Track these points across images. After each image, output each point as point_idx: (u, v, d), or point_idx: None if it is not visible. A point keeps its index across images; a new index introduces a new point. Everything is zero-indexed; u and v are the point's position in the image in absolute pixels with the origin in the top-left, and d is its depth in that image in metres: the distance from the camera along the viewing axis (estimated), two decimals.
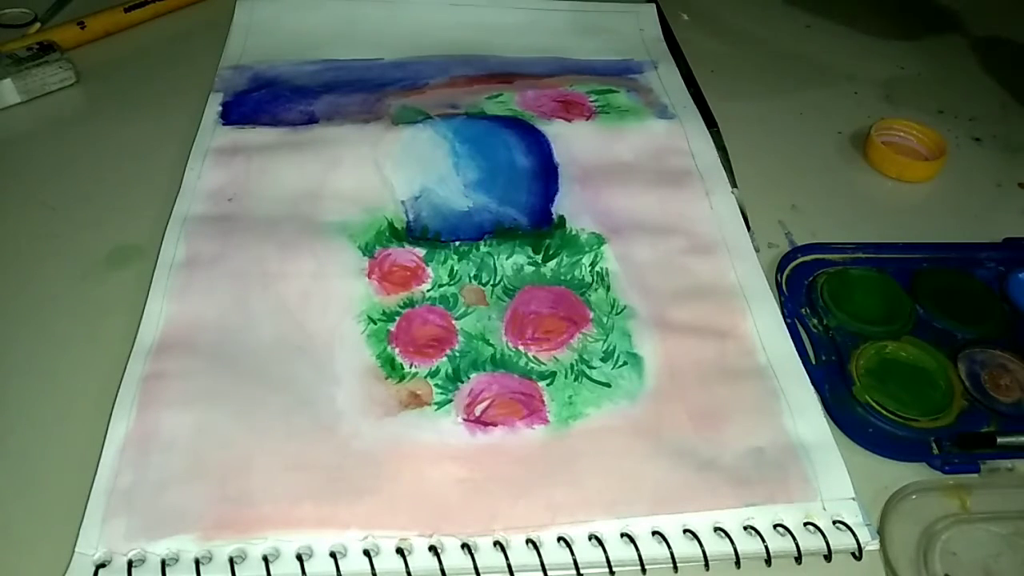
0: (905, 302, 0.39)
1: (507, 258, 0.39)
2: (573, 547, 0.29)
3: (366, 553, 0.29)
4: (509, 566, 0.29)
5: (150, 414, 0.32)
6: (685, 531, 0.30)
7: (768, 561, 0.30)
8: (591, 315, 0.37)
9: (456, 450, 0.32)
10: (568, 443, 0.32)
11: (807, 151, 0.48)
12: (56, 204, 0.41)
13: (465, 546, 0.29)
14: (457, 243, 0.39)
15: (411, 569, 0.28)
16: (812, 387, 0.35)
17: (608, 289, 0.38)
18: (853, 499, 0.31)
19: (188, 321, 0.35)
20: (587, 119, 0.46)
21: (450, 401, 0.33)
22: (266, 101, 0.46)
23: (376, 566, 0.28)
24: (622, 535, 0.30)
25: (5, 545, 0.29)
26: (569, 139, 0.45)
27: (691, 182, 0.43)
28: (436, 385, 0.34)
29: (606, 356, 0.35)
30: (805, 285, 0.40)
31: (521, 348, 0.35)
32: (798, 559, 0.30)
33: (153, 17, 0.53)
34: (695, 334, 0.36)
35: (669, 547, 0.29)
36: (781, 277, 0.40)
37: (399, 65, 0.50)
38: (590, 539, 0.29)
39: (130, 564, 0.28)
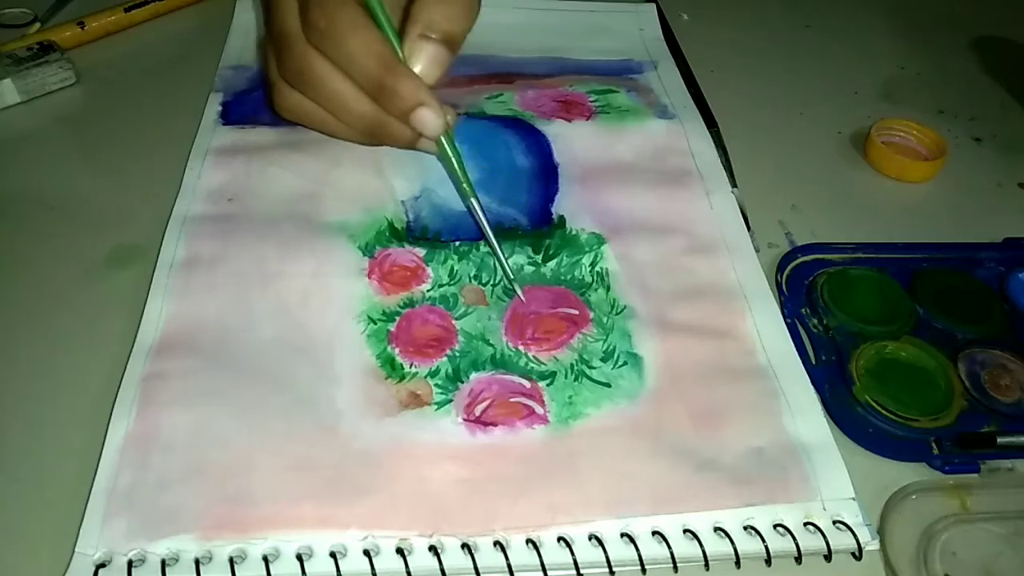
0: (905, 302, 0.39)
1: (507, 258, 0.39)
2: (573, 547, 0.29)
3: (366, 553, 0.29)
4: (509, 566, 0.29)
5: (150, 414, 0.32)
6: (685, 531, 0.30)
7: (768, 561, 0.30)
8: (591, 315, 0.37)
9: (456, 450, 0.32)
10: (568, 443, 0.32)
11: (807, 151, 0.48)
12: (56, 204, 0.41)
13: (465, 546, 0.29)
14: (457, 243, 0.39)
15: (411, 569, 0.28)
16: (812, 387, 0.35)
17: (608, 289, 0.38)
18: (853, 499, 0.31)
19: (188, 321, 0.35)
20: (587, 119, 0.46)
21: (450, 401, 0.33)
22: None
23: (376, 566, 0.28)
24: (622, 535, 0.30)
25: (5, 545, 0.29)
26: (569, 139, 0.45)
27: (691, 182, 0.43)
28: (436, 385, 0.34)
29: (606, 356, 0.35)
30: (805, 285, 0.40)
31: (521, 348, 0.35)
32: (798, 559, 0.30)
33: (153, 17, 0.53)
34: (695, 334, 0.36)
35: (669, 547, 0.29)
36: (781, 277, 0.40)
37: None
38: (590, 539, 0.30)
39: (130, 564, 0.28)
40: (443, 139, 0.35)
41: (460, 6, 0.34)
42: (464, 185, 0.36)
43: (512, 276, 0.36)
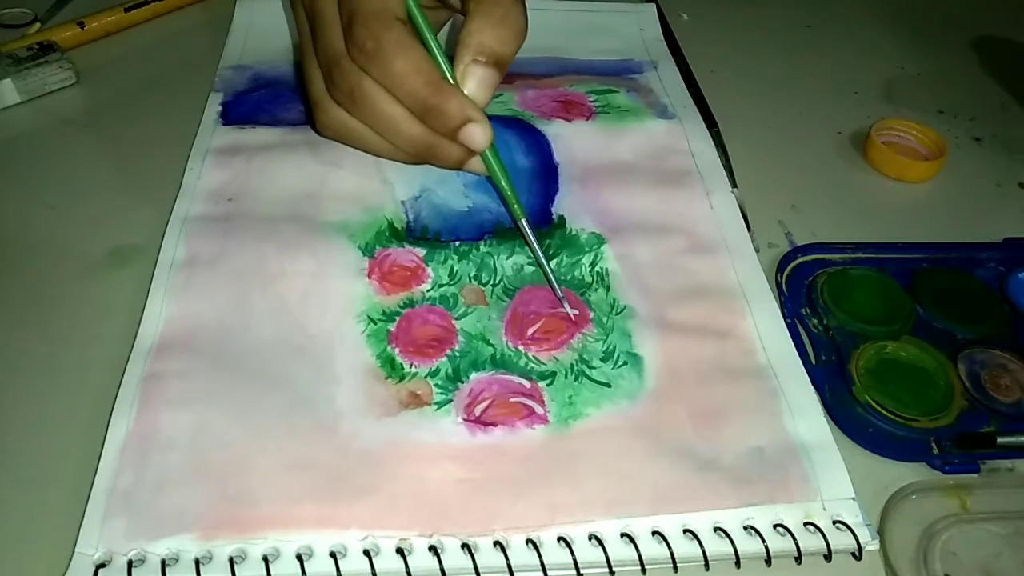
0: (905, 302, 0.39)
1: (507, 258, 0.39)
2: (573, 547, 0.29)
3: (366, 553, 0.29)
4: (509, 566, 0.29)
5: (150, 414, 0.32)
6: (685, 531, 0.30)
7: (768, 561, 0.30)
8: (591, 315, 0.37)
9: (456, 450, 0.32)
10: (568, 443, 0.32)
11: (807, 151, 0.48)
12: (56, 204, 0.41)
13: (465, 546, 0.29)
14: (457, 243, 0.39)
15: (411, 569, 0.28)
16: (812, 387, 0.35)
17: (608, 289, 0.38)
18: (853, 499, 0.31)
19: (188, 321, 0.35)
20: (587, 119, 0.46)
21: (450, 401, 0.33)
22: (266, 101, 0.46)
23: (376, 566, 0.28)
24: (622, 535, 0.30)
25: (5, 545, 0.29)
26: (569, 139, 0.45)
27: (691, 182, 0.43)
28: (436, 385, 0.34)
29: (606, 356, 0.35)
30: (805, 285, 0.40)
31: (521, 348, 0.35)
32: (798, 559, 0.30)
33: (153, 17, 0.53)
34: (695, 334, 0.36)
35: (669, 547, 0.29)
36: (781, 277, 0.40)
37: None
38: (590, 539, 0.30)
39: (130, 564, 0.28)
40: (491, 158, 0.36)
41: (511, 29, 0.35)
42: (514, 205, 0.36)
43: (561, 295, 0.36)
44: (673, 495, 0.31)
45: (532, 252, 0.37)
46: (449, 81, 0.34)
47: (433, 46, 0.34)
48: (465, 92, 0.34)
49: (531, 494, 0.30)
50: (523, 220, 0.37)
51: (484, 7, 0.34)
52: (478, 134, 0.34)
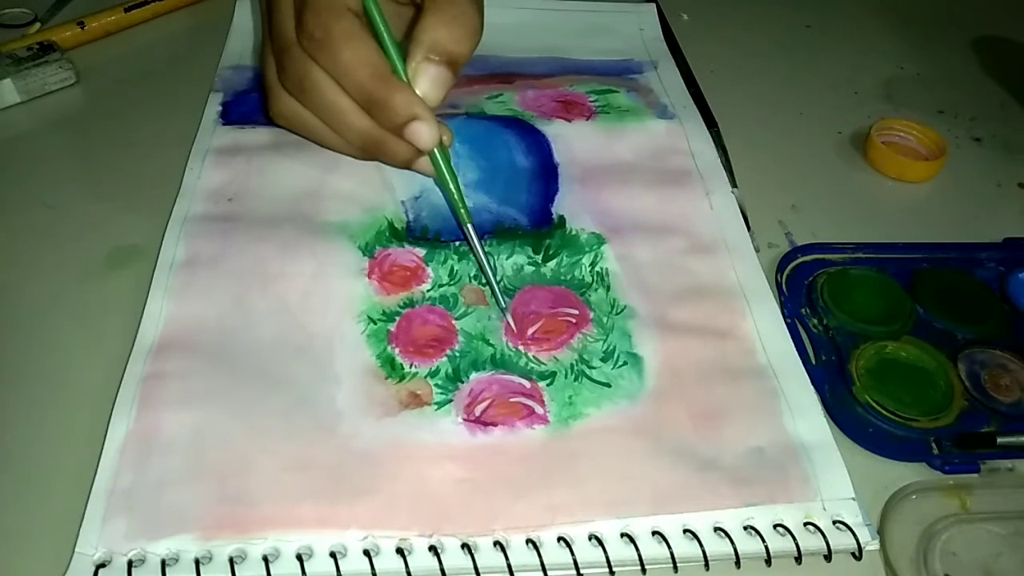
0: (905, 302, 0.39)
1: (507, 258, 0.39)
2: (573, 547, 0.29)
3: (366, 553, 0.29)
4: (509, 566, 0.29)
5: (150, 414, 0.32)
6: (685, 531, 0.30)
7: (768, 561, 0.30)
8: (591, 315, 0.37)
9: (456, 450, 0.32)
10: (568, 443, 0.32)
11: (807, 151, 0.48)
12: (56, 204, 0.41)
13: (465, 546, 0.29)
14: (457, 243, 0.39)
15: (411, 569, 0.28)
16: (812, 387, 0.35)
17: (608, 289, 0.38)
18: (853, 499, 0.31)
19: (188, 321, 0.35)
20: (587, 119, 0.46)
21: (450, 401, 0.33)
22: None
23: (376, 566, 0.28)
24: (622, 535, 0.30)
25: (5, 545, 0.29)
26: (569, 139, 0.45)
27: (691, 182, 0.43)
28: (436, 385, 0.34)
29: (606, 356, 0.35)
30: (805, 285, 0.40)
31: (521, 348, 0.35)
32: (798, 559, 0.30)
33: (153, 17, 0.53)
34: (695, 334, 0.36)
35: (669, 547, 0.29)
36: (781, 277, 0.40)
37: None
38: (590, 539, 0.30)
39: (130, 564, 0.28)
40: (440, 160, 0.35)
41: (465, 28, 0.34)
42: (461, 210, 0.36)
43: (503, 306, 0.36)
44: (673, 495, 0.31)
45: (477, 261, 0.37)
46: (399, 76, 0.33)
47: (388, 41, 0.34)
48: (417, 90, 0.33)
49: (531, 494, 0.30)
50: (469, 226, 0.36)
51: (438, 4, 0.34)
52: (424, 132, 0.33)
